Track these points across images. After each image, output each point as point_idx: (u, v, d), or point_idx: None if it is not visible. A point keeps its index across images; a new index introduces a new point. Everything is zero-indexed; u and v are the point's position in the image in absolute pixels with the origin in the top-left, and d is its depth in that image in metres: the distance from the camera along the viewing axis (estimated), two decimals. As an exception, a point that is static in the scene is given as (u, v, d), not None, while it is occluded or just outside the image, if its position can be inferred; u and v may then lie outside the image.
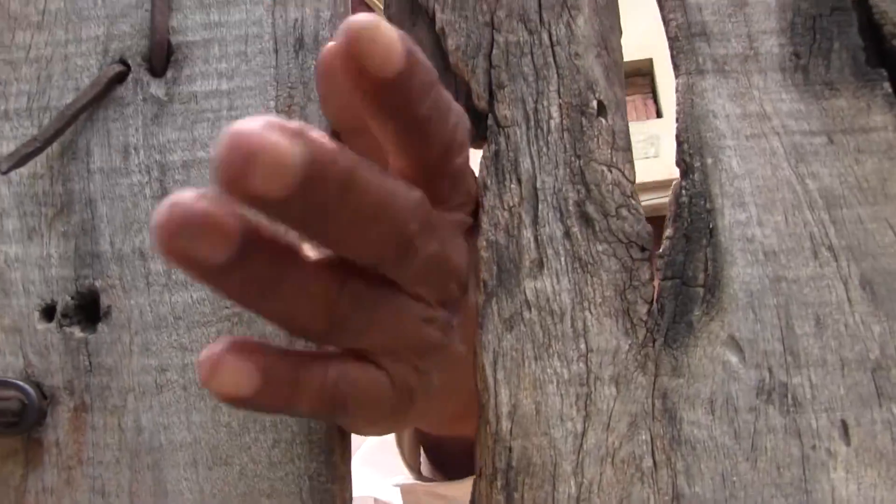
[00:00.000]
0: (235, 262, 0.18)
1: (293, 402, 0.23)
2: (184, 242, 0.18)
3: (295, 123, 0.18)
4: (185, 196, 0.18)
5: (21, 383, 0.29)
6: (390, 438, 0.65)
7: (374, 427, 0.30)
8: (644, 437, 0.29)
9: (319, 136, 0.19)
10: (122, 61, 0.34)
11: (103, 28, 0.35)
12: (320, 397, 0.24)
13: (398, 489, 0.66)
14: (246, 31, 0.34)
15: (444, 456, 0.64)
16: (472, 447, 0.31)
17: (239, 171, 0.17)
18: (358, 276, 0.23)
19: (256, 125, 0.17)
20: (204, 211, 0.18)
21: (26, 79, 0.35)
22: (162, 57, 0.34)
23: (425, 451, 0.66)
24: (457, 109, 0.26)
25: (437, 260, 0.25)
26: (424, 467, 0.66)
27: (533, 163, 0.31)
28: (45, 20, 0.36)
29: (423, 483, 0.63)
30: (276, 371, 0.22)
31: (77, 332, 0.30)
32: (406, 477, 0.65)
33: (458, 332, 0.29)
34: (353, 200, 0.20)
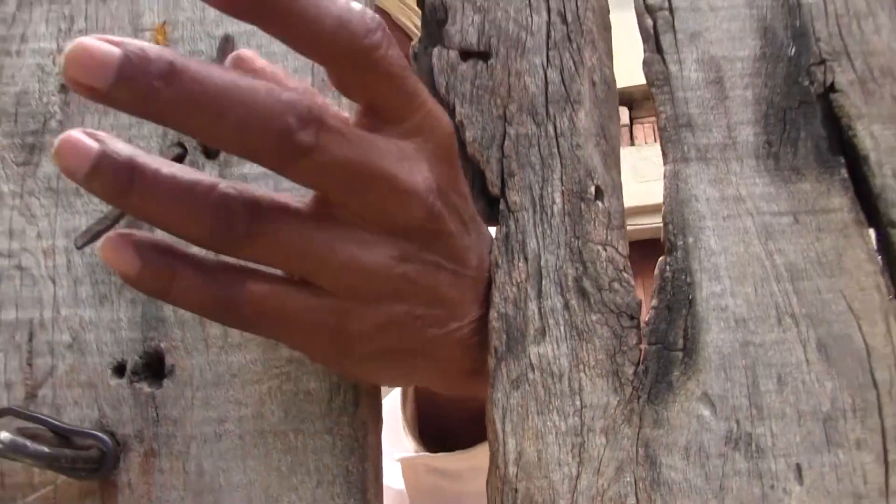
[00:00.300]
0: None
1: (169, 292, 0.27)
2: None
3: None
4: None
5: (99, 433, 0.34)
6: (393, 410, 0.66)
7: (341, 361, 0.32)
8: (629, 479, 0.34)
9: (144, 44, 0.23)
10: (180, 144, 0.39)
11: (157, 107, 0.40)
12: (207, 302, 0.28)
13: (398, 465, 0.68)
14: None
15: (444, 423, 0.67)
16: (478, 411, 0.35)
17: (73, 69, 0.23)
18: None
19: (91, 39, 0.23)
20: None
21: (89, 152, 0.39)
22: (211, 136, 0.39)
23: (425, 420, 0.66)
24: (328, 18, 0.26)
25: (354, 168, 0.27)
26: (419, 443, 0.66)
27: (538, 243, 0.36)
28: (111, 108, 0.40)
29: (424, 456, 0.64)
30: (153, 260, 0.27)
31: (145, 388, 0.35)
32: (406, 448, 0.67)
33: (449, 277, 0.32)
34: (183, 90, 0.23)
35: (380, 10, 0.61)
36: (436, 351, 0.33)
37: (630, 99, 4.69)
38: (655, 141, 3.60)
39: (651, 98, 0.39)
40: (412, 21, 0.64)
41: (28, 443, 0.30)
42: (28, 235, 0.39)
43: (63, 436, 0.34)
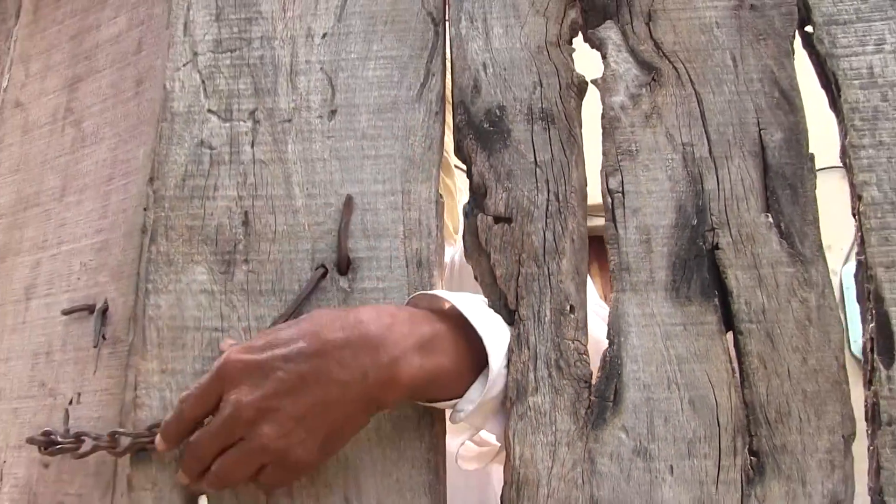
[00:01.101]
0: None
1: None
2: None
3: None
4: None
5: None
6: None
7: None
8: (579, 470, 0.63)
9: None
10: (323, 265, 0.68)
11: (310, 244, 0.69)
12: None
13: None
14: (390, 254, 0.68)
15: None
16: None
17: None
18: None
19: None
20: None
21: (269, 272, 0.69)
22: (345, 264, 0.68)
23: None
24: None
25: None
26: None
27: (535, 339, 0.64)
28: (276, 237, 0.69)
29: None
30: None
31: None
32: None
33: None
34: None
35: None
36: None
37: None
38: None
39: (607, 247, 0.67)
40: (452, 180, 0.91)
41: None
42: (232, 319, 0.68)
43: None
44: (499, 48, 0.73)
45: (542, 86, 0.71)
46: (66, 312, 0.78)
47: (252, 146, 0.73)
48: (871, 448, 0.64)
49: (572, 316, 0.65)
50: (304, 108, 0.73)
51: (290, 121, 0.73)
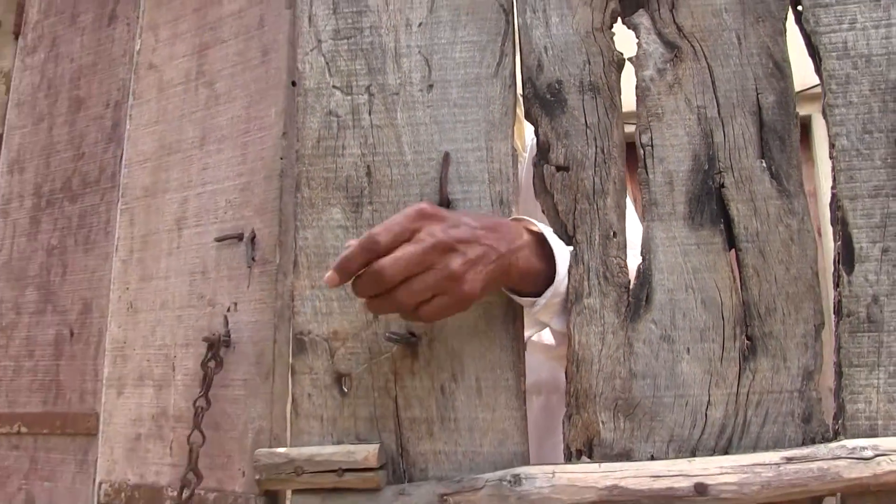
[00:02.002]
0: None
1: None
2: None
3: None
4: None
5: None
6: None
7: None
8: (621, 351, 0.87)
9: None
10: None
11: (418, 189, 0.91)
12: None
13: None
14: (479, 196, 0.90)
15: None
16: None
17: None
18: None
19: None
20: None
21: (388, 211, 0.91)
22: (445, 204, 0.90)
23: None
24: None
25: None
26: None
27: (588, 257, 0.87)
28: (392, 185, 0.92)
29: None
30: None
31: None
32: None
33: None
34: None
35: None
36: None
37: None
38: None
39: (640, 185, 0.89)
40: (521, 139, 1.13)
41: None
42: None
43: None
44: (556, 34, 0.93)
45: (590, 63, 0.92)
46: (218, 240, 1.02)
47: (369, 114, 0.95)
48: (836, 333, 0.87)
49: (615, 240, 0.88)
50: (408, 83, 0.95)
51: (397, 94, 0.95)
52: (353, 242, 0.76)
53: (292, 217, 0.96)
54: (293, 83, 1.00)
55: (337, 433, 0.89)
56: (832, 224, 0.89)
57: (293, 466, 0.86)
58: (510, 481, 0.81)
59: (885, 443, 0.79)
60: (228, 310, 1.01)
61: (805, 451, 0.80)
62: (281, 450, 0.88)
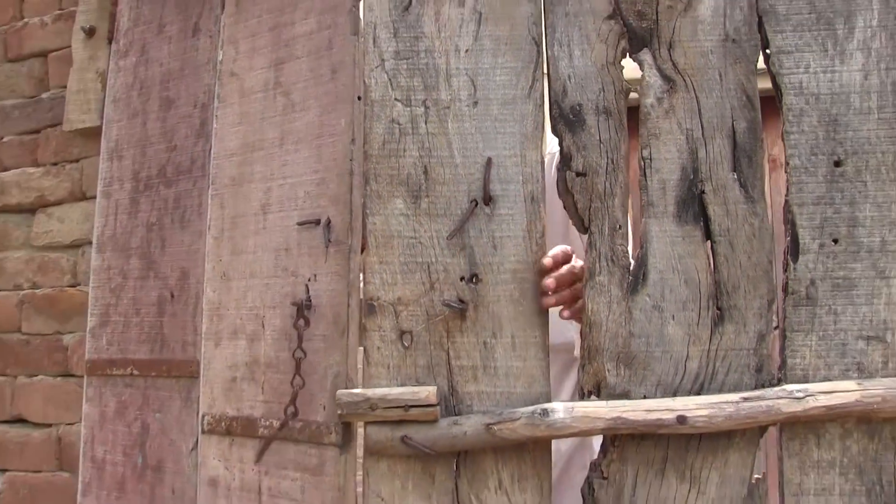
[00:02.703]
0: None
1: None
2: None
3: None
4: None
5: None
6: None
7: None
8: (624, 316, 1.13)
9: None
10: (474, 200, 1.14)
11: (466, 187, 1.15)
12: None
13: None
14: (514, 194, 1.15)
15: None
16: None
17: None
18: None
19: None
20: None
21: (441, 203, 1.15)
22: (487, 200, 1.14)
23: None
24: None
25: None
26: None
27: (600, 245, 1.13)
28: (445, 182, 1.15)
29: None
30: None
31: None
32: None
33: None
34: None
35: None
36: None
37: None
38: None
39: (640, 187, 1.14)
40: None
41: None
42: (420, 231, 1.15)
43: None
44: (577, 65, 1.17)
45: (604, 91, 1.16)
46: (300, 224, 1.24)
47: (426, 123, 1.17)
48: (783, 307, 1.14)
49: (620, 231, 1.13)
50: (457, 99, 1.18)
51: (448, 108, 1.18)
52: (548, 261, 1.14)
53: (360, 207, 1.19)
54: (359, 97, 1.22)
55: (400, 378, 1.14)
56: (784, 224, 1.16)
57: (369, 403, 1.10)
58: (540, 413, 1.07)
59: (813, 387, 1.07)
60: (309, 280, 1.23)
61: (756, 393, 1.08)
62: (358, 390, 1.12)
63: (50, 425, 1.73)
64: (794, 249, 1.13)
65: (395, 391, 1.11)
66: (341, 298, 1.20)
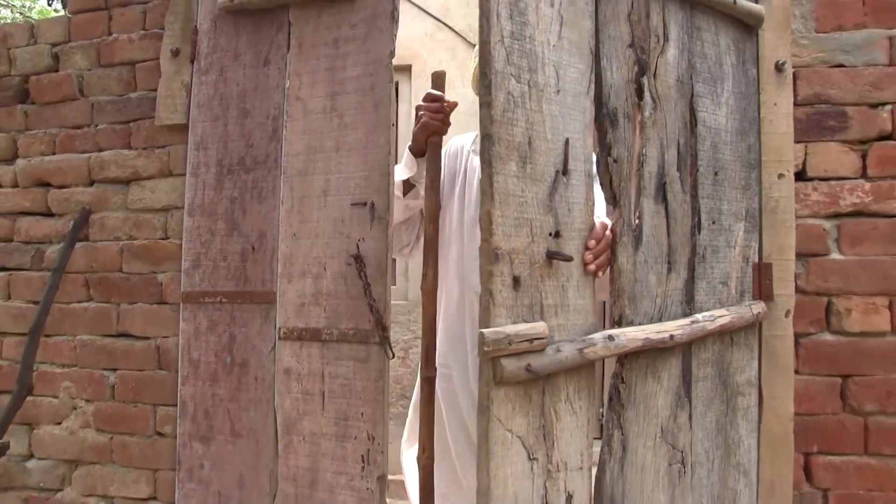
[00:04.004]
0: None
1: None
2: None
3: None
4: None
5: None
6: None
7: None
8: (632, 267, 1.56)
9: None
10: (557, 170, 1.42)
11: (553, 158, 1.42)
12: None
13: None
14: (582, 166, 1.46)
15: None
16: None
17: None
18: None
19: None
20: None
21: (539, 169, 1.40)
22: (564, 170, 1.43)
23: None
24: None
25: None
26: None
27: (624, 213, 1.53)
28: (540, 152, 1.40)
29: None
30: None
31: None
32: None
33: None
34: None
35: None
36: None
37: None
38: None
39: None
40: None
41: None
42: (526, 192, 1.38)
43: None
44: (615, 77, 1.53)
45: (628, 101, 1.55)
46: (353, 204, 1.65)
47: (529, 101, 1.38)
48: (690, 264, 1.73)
49: (633, 205, 1.55)
50: (548, 85, 1.41)
51: (542, 91, 1.40)
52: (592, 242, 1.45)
53: (393, 196, 1.65)
54: (393, 124, 1.71)
55: (512, 317, 1.35)
56: (691, 209, 1.74)
57: (508, 339, 1.29)
58: (607, 338, 1.44)
59: (711, 314, 1.69)
60: (359, 241, 1.73)
61: (692, 318, 1.64)
62: (500, 329, 1.29)
63: (149, 338, 2.20)
64: (698, 226, 1.73)
65: (522, 327, 1.32)
66: (382, 253, 1.70)
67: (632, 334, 1.49)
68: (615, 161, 1.53)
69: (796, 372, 1.76)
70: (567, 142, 1.43)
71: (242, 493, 1.95)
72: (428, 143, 1.85)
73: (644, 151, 1.59)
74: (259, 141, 2.00)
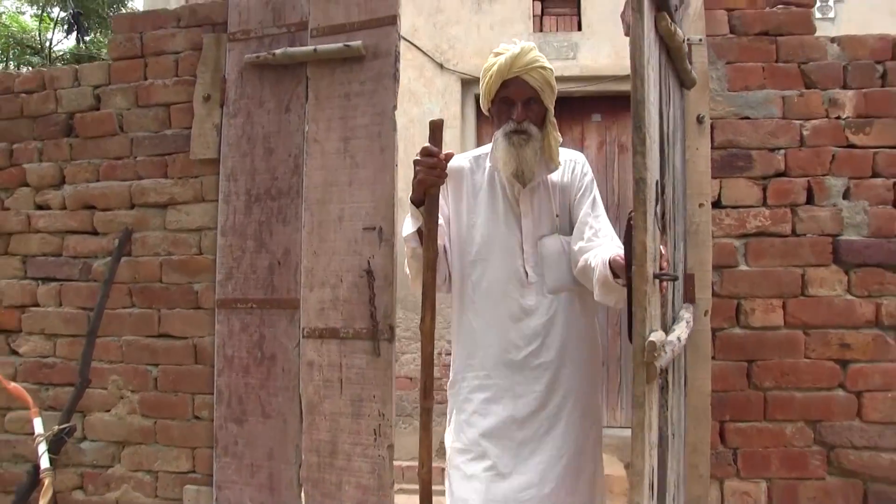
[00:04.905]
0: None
1: None
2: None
3: None
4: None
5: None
6: None
7: None
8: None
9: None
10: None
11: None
12: None
13: None
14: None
15: None
16: None
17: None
18: None
19: None
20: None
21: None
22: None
23: None
24: None
25: None
26: None
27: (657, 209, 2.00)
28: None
29: None
30: None
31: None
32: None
33: None
34: None
35: None
36: None
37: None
38: (558, 30, 4.79)
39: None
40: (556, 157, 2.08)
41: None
42: None
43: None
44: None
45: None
46: (365, 228, 2.15)
47: (667, 149, 1.84)
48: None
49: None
50: (653, 140, 1.88)
51: (662, 143, 1.86)
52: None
53: (398, 222, 1.93)
54: (397, 164, 2.18)
55: (657, 327, 1.80)
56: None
57: (663, 346, 1.74)
58: (677, 339, 1.90)
59: (686, 317, 2.18)
60: (370, 258, 2.20)
61: (684, 322, 2.13)
62: (661, 335, 1.74)
63: (187, 338, 2.60)
64: (674, 247, 2.21)
65: (662, 336, 1.71)
66: (388, 268, 2.18)
67: (672, 337, 1.91)
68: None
69: (713, 358, 2.24)
70: (657, 183, 1.86)
71: (272, 464, 2.38)
72: (426, 196, 1.83)
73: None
74: (283, 175, 2.42)
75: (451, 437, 1.96)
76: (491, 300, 1.93)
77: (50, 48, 9.66)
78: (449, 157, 1.87)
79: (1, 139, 2.78)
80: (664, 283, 1.69)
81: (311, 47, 2.37)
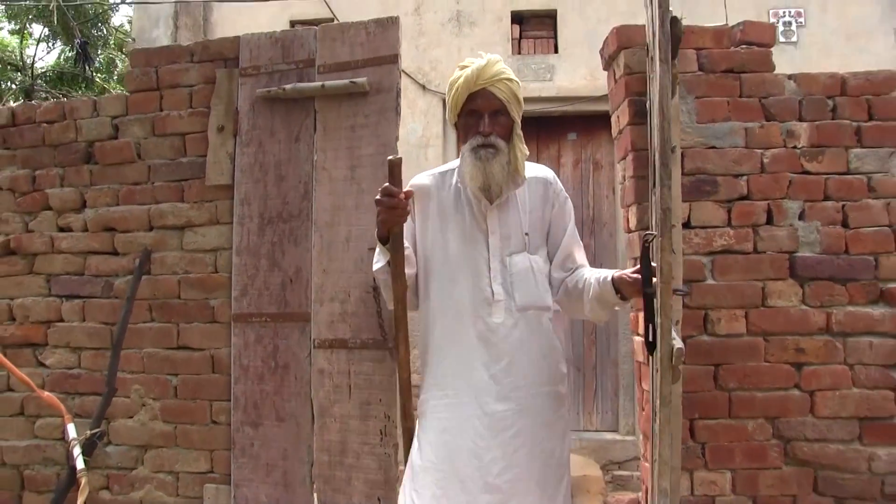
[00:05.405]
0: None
1: None
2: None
3: None
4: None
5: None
6: None
7: None
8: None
9: None
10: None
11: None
12: None
13: None
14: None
15: None
16: None
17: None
18: None
19: None
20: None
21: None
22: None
23: None
24: None
25: None
26: None
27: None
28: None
29: None
30: None
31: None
32: None
33: None
34: None
35: None
36: None
37: (520, 17, 5.23)
38: (536, 53, 5.03)
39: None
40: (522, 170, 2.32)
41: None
42: None
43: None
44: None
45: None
46: (370, 249, 2.14)
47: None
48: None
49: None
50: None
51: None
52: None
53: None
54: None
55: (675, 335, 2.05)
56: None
57: (682, 351, 1.98)
58: (683, 340, 2.15)
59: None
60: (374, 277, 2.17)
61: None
62: (679, 345, 1.98)
63: (204, 349, 2.81)
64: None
65: (680, 341, 1.96)
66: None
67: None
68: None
69: (684, 363, 2.50)
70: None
71: (286, 463, 2.60)
72: (390, 234, 1.86)
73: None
74: (293, 199, 2.64)
75: (415, 454, 1.93)
76: (457, 319, 1.92)
77: (32, 65, 9.76)
78: (409, 195, 1.88)
79: (24, 166, 2.97)
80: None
81: (319, 83, 2.59)
